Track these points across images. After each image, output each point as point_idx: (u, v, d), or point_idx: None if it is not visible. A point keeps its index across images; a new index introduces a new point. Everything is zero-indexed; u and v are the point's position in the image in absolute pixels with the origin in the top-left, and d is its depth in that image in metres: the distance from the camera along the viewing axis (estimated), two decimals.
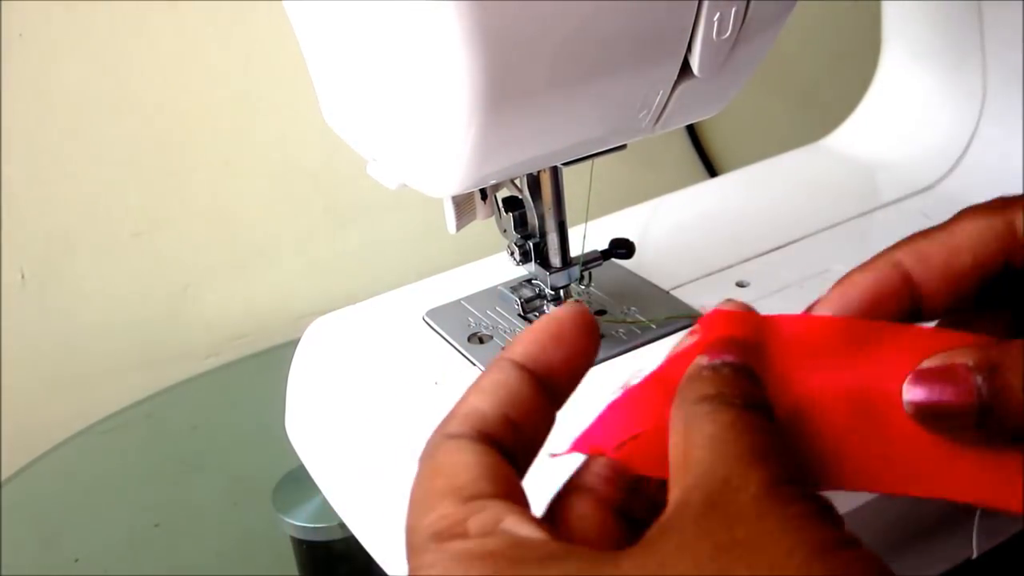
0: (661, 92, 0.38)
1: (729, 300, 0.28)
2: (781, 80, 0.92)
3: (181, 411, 0.73)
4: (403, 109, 0.38)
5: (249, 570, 0.58)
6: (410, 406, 0.44)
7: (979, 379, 0.25)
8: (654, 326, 0.47)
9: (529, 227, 0.46)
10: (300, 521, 0.53)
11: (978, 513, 0.45)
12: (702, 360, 0.27)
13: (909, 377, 0.26)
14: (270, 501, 0.54)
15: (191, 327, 0.76)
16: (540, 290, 0.48)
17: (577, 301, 0.28)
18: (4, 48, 0.63)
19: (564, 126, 0.38)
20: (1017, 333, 0.28)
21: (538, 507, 0.26)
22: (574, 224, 0.46)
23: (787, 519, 0.22)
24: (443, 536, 0.23)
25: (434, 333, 0.49)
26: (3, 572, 0.58)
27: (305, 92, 0.46)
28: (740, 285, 0.51)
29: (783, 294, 0.50)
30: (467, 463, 0.25)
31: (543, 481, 0.27)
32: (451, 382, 0.45)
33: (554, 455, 0.27)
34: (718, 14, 0.35)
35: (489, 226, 0.47)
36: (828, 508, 0.23)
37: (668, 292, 0.50)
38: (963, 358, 0.26)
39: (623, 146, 0.42)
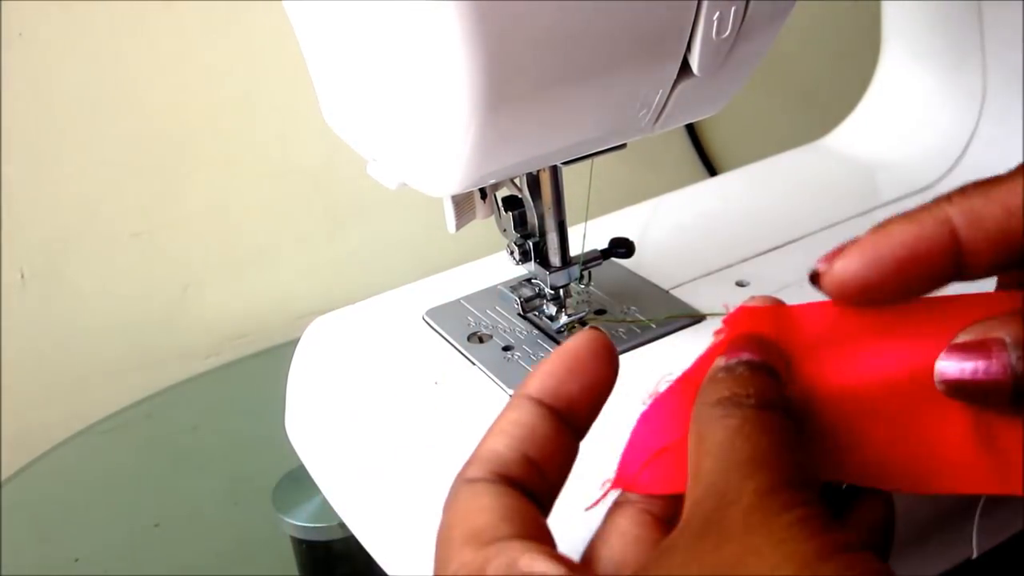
0: (661, 91, 0.38)
1: (754, 297, 0.28)
2: (781, 80, 0.92)
3: (181, 411, 0.73)
4: (403, 109, 0.38)
5: (249, 570, 0.58)
6: (410, 406, 0.44)
7: (1015, 356, 0.24)
8: (654, 326, 0.47)
9: (529, 226, 0.46)
10: (300, 521, 0.53)
11: (978, 513, 0.45)
12: (720, 361, 0.26)
13: (942, 353, 0.25)
14: (270, 501, 0.54)
15: (191, 327, 0.76)
16: (540, 289, 0.48)
17: (594, 327, 0.28)
18: (4, 48, 0.63)
19: (564, 125, 0.38)
20: None
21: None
22: (574, 224, 0.46)
23: (777, 531, 0.21)
24: None
25: (434, 333, 0.49)
26: (3, 572, 0.58)
27: (305, 92, 0.46)
28: (740, 285, 0.51)
29: (783, 294, 0.49)
30: (484, 507, 0.24)
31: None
32: (451, 382, 0.45)
33: (589, 507, 0.27)
34: (718, 13, 0.35)
35: (489, 226, 0.47)
36: (827, 511, 0.22)
37: (668, 292, 0.50)
38: (998, 331, 0.24)
39: (623, 145, 0.42)
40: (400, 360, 0.47)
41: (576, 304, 0.48)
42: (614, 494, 0.28)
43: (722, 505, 0.22)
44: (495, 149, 0.36)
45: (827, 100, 0.87)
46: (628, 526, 0.27)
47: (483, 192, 0.45)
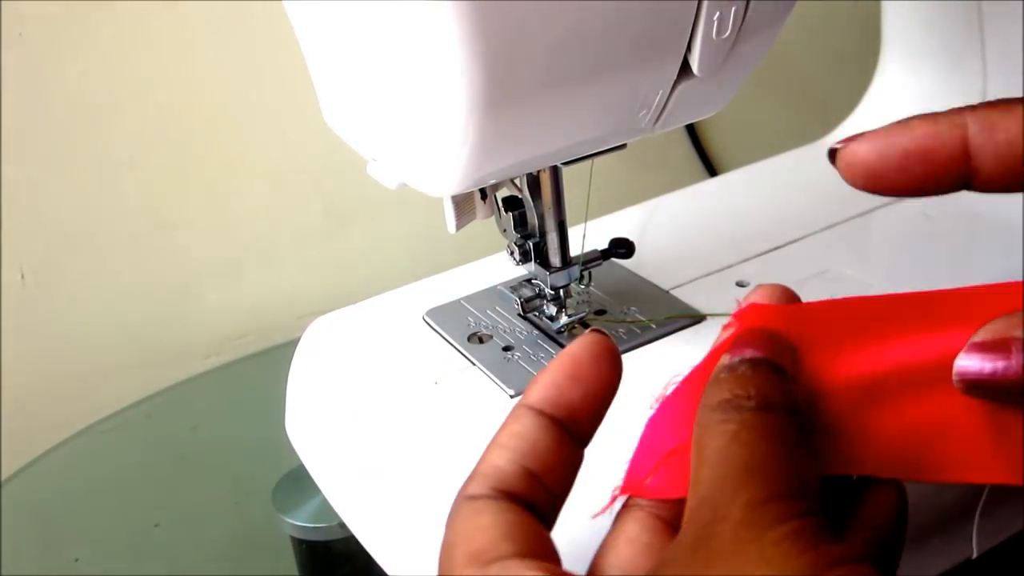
0: (661, 92, 0.38)
1: (761, 285, 0.27)
2: (781, 80, 0.92)
3: (181, 411, 0.73)
4: (403, 109, 0.38)
5: (249, 570, 0.58)
6: (410, 406, 0.44)
7: None
8: (654, 326, 0.47)
9: (529, 227, 0.46)
10: (300, 521, 0.53)
11: (978, 513, 0.45)
12: (724, 359, 0.26)
13: (961, 352, 0.25)
14: (270, 501, 0.54)
15: (191, 327, 0.76)
16: (540, 290, 0.48)
17: (595, 330, 0.28)
18: (4, 48, 0.63)
19: (563, 126, 0.38)
20: None
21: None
22: (574, 224, 0.46)
23: (767, 547, 0.21)
24: None
25: (434, 333, 0.49)
26: (3, 572, 0.58)
27: (305, 92, 0.46)
28: (740, 285, 0.51)
29: None
30: (486, 525, 0.24)
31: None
32: (451, 382, 0.45)
33: (597, 514, 0.27)
34: (718, 13, 0.35)
35: (489, 226, 0.47)
36: (824, 521, 0.22)
37: (668, 292, 0.50)
38: (1018, 330, 0.24)
39: (623, 146, 0.42)
40: (400, 360, 0.47)
41: (576, 304, 0.48)
42: (622, 499, 0.27)
43: (715, 519, 0.22)
44: (495, 149, 0.36)
45: (827, 100, 0.87)
46: (637, 532, 0.26)
47: (483, 192, 0.45)
